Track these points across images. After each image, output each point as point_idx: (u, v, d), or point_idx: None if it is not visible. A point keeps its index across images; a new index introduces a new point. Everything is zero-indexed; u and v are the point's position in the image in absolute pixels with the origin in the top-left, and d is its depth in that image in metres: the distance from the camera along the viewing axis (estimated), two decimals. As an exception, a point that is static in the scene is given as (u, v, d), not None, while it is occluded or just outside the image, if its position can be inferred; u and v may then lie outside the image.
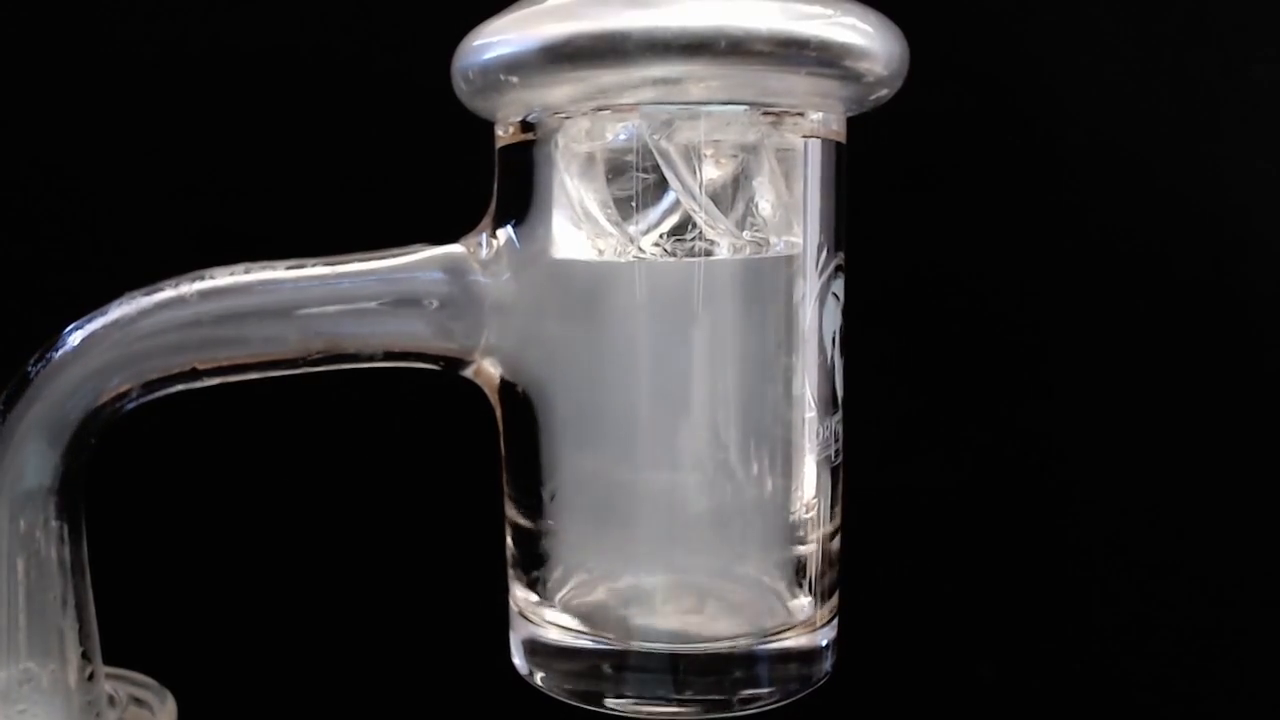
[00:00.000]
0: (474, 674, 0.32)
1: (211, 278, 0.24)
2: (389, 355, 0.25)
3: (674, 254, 0.23)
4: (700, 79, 0.21)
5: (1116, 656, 0.36)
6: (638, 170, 0.23)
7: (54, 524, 0.24)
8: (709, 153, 0.23)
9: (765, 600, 0.25)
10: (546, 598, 0.25)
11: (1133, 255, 0.37)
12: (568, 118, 0.23)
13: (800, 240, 0.24)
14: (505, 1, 0.23)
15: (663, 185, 0.23)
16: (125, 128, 0.36)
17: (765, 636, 0.24)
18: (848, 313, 0.25)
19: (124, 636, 0.27)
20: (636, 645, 0.24)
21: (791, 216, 0.24)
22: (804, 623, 0.25)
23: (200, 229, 0.36)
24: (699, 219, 0.23)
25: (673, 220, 0.23)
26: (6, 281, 0.36)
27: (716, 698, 0.24)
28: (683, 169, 0.23)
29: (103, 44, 0.36)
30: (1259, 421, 0.37)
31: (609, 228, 0.23)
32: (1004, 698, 0.35)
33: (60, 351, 0.24)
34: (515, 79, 0.22)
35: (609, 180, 0.23)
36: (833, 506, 0.25)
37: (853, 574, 0.27)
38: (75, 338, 0.24)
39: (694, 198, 0.23)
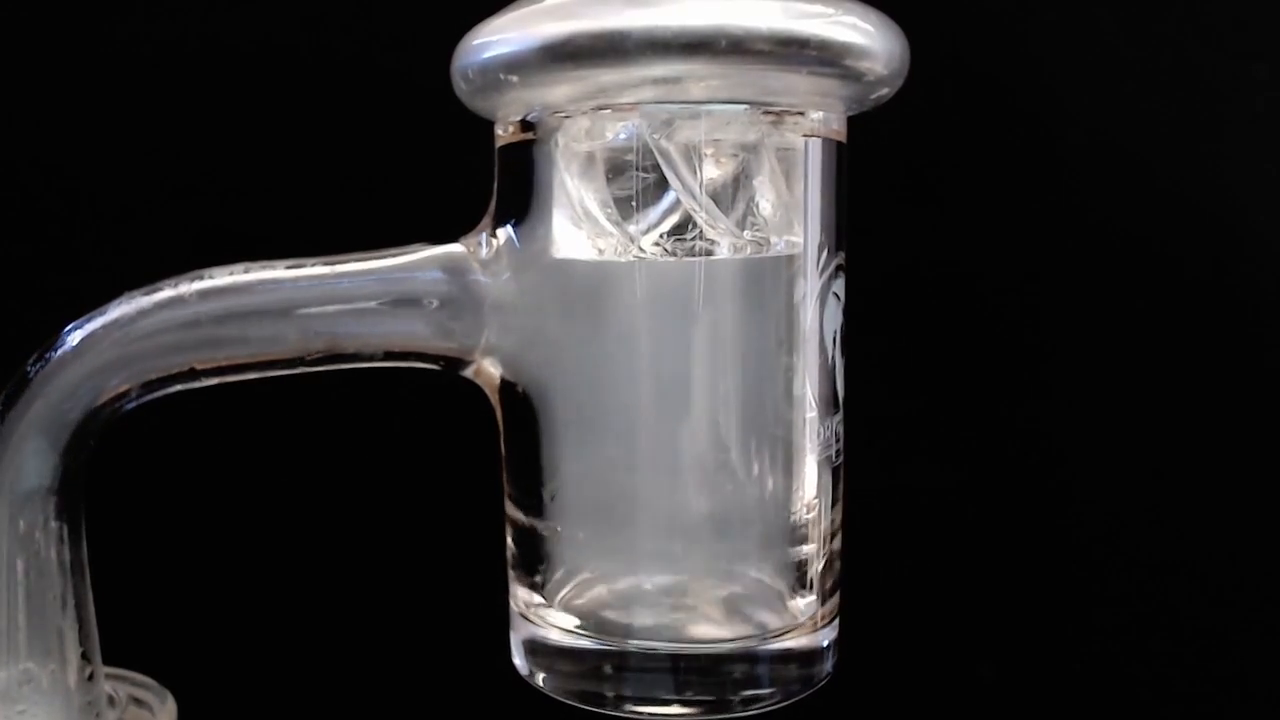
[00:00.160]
0: (474, 674, 0.32)
1: (211, 277, 0.24)
2: (389, 355, 0.25)
3: (674, 254, 0.23)
4: (700, 78, 0.21)
5: (1117, 657, 0.36)
6: (638, 170, 0.23)
7: (54, 524, 0.24)
8: (709, 152, 0.23)
9: (766, 601, 0.25)
10: (547, 598, 0.25)
11: (1134, 255, 0.37)
12: (568, 117, 0.23)
13: (801, 240, 0.24)
14: (505, 0, 0.23)
15: (663, 185, 0.23)
16: (125, 127, 0.36)
17: (766, 637, 0.24)
18: (848, 312, 0.25)
19: (124, 637, 0.27)
20: (637, 645, 0.24)
21: (792, 216, 0.24)
22: (805, 623, 0.25)
23: (200, 229, 0.36)
24: (699, 218, 0.23)
25: (673, 220, 0.23)
26: (6, 281, 0.36)
27: (717, 698, 0.24)
28: (683, 168, 0.23)
29: (103, 44, 0.36)
30: (1260, 421, 0.37)
31: (609, 227, 0.23)
32: (1004, 698, 0.35)
33: (59, 351, 0.24)
34: (515, 78, 0.22)
35: (609, 180, 0.23)
36: (833, 507, 0.25)
37: (854, 574, 0.27)
38: (74, 337, 0.24)
39: (694, 197, 0.23)
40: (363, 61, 0.36)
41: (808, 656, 0.25)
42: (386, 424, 0.37)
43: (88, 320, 0.24)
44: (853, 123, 0.25)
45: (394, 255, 0.25)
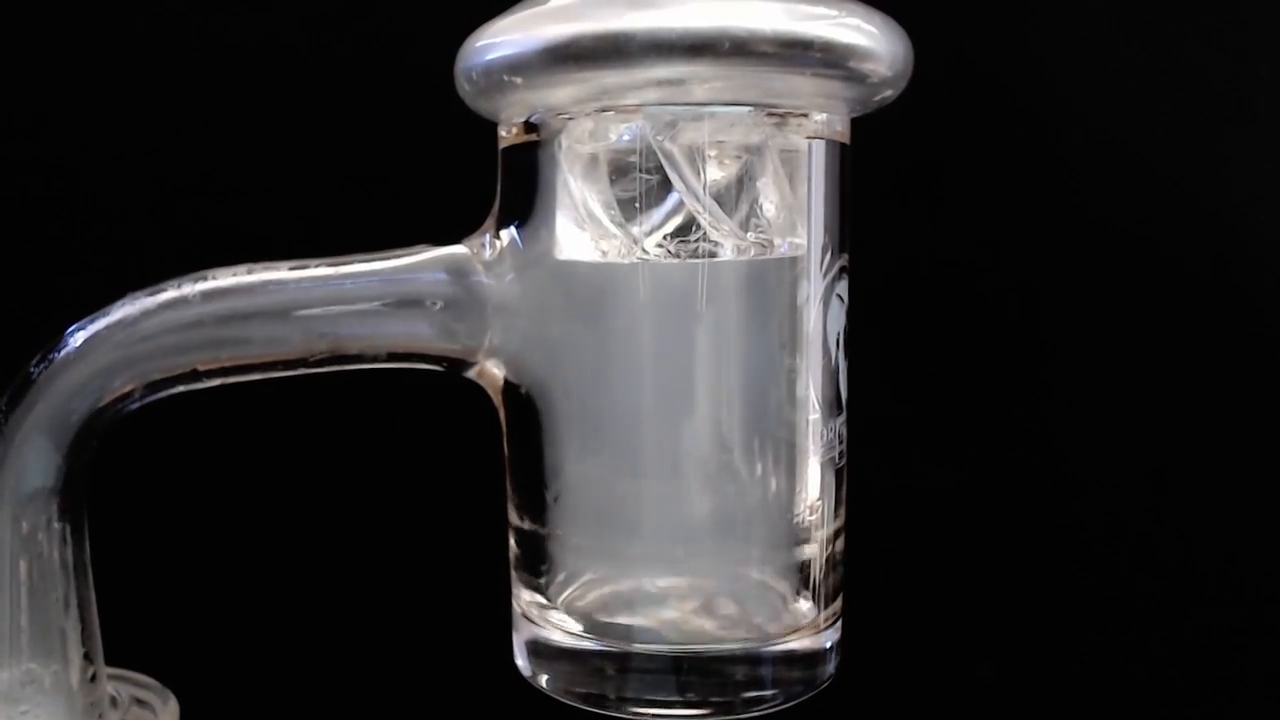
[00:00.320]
0: (477, 675, 0.32)
1: (214, 278, 0.24)
2: (392, 356, 0.25)
3: (678, 255, 0.23)
4: (704, 80, 0.21)
5: (1117, 657, 0.36)
6: (641, 171, 0.23)
7: (56, 525, 0.24)
8: (713, 154, 0.23)
9: (769, 602, 0.25)
10: (550, 599, 0.25)
11: (1135, 256, 0.37)
12: (571, 119, 0.23)
13: (804, 241, 0.24)
14: (509, 2, 0.23)
15: (666, 186, 0.23)
16: (128, 128, 0.36)
17: (769, 639, 0.24)
18: (852, 314, 0.25)
19: (126, 637, 0.27)
20: (639, 647, 0.24)
21: (795, 218, 0.24)
22: (808, 624, 0.25)
23: (204, 229, 0.36)
24: (703, 220, 0.23)
25: (676, 221, 0.23)
26: (9, 282, 0.36)
27: (719, 700, 0.24)
28: (686, 170, 0.23)
29: (104, 44, 0.36)
30: (1261, 420, 0.37)
31: (612, 229, 0.23)
32: (1006, 699, 0.35)
33: (63, 352, 0.24)
34: (519, 80, 0.22)
35: (612, 181, 0.23)
36: (836, 508, 0.25)
37: (857, 576, 0.27)
38: (78, 338, 0.24)
39: (698, 199, 0.23)
40: (366, 63, 0.36)
41: (810, 658, 0.25)
42: (389, 425, 0.37)
43: (91, 321, 0.24)
44: (856, 124, 0.25)
45: (397, 256, 0.25)
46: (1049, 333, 0.37)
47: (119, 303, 0.24)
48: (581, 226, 0.23)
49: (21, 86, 0.36)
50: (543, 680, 0.25)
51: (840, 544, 0.26)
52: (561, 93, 0.22)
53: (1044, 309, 0.37)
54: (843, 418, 0.25)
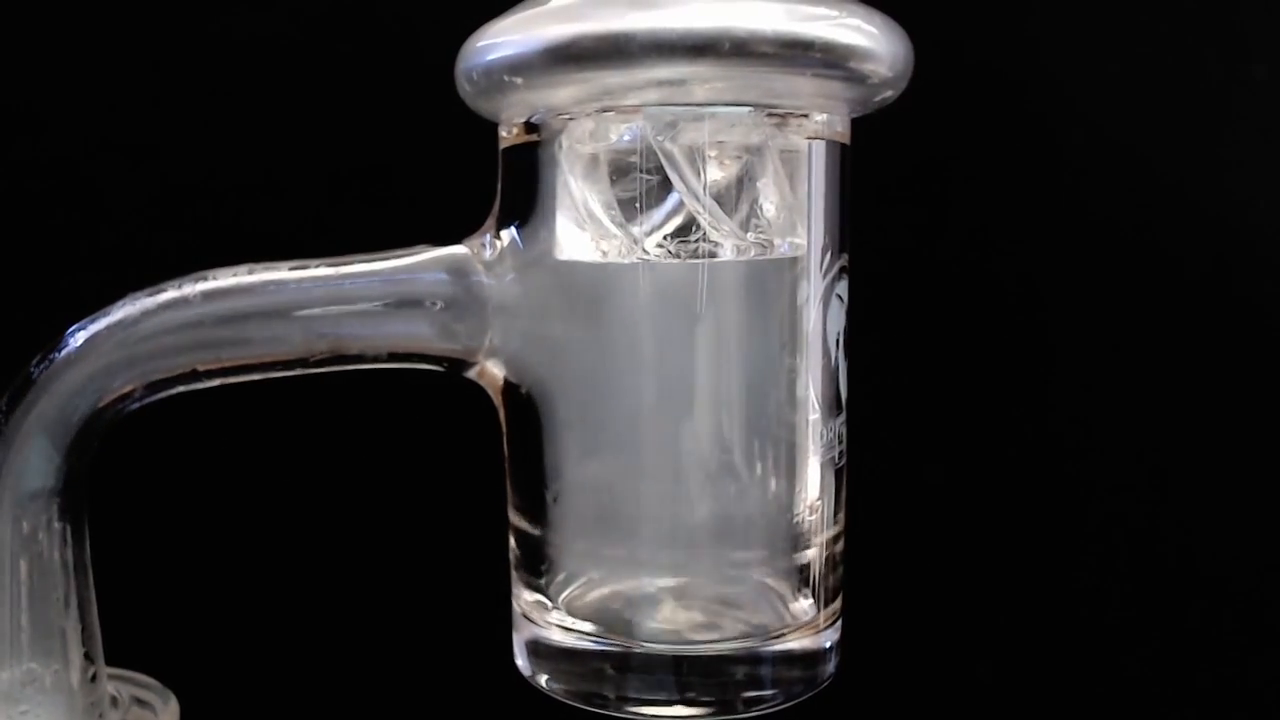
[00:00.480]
0: (477, 675, 0.32)
1: (215, 278, 0.24)
2: (393, 356, 0.25)
3: (678, 255, 0.23)
4: (704, 80, 0.21)
5: (1118, 657, 0.36)
6: (642, 172, 0.23)
7: (57, 525, 0.24)
8: (713, 154, 0.23)
9: (769, 602, 0.25)
10: (550, 599, 0.25)
11: (1137, 255, 0.37)
12: (572, 119, 0.23)
13: (804, 242, 0.24)
14: (509, 2, 0.23)
15: (667, 187, 0.23)
16: (128, 128, 0.36)
17: (769, 638, 0.24)
18: (852, 314, 0.25)
19: (127, 637, 0.27)
20: (639, 646, 0.24)
21: (795, 218, 0.24)
22: (807, 624, 0.25)
23: (203, 229, 0.36)
24: (703, 221, 0.23)
25: (677, 222, 0.23)
26: (9, 282, 0.36)
27: (720, 699, 0.24)
28: (687, 170, 0.23)
29: (104, 43, 0.36)
30: (1263, 420, 0.37)
31: (613, 229, 0.23)
32: (1006, 699, 0.35)
33: (63, 352, 0.24)
34: (519, 80, 0.22)
35: (613, 182, 0.23)
36: (836, 508, 0.25)
37: (857, 576, 0.27)
38: (78, 338, 0.24)
39: (698, 199, 0.23)
40: (367, 63, 0.36)
41: (810, 658, 0.25)
42: (389, 425, 0.37)
43: (91, 321, 0.24)
44: (856, 125, 0.25)
45: (398, 257, 0.25)
46: (1049, 333, 0.37)
47: (119, 303, 0.24)
48: (582, 227, 0.24)
49: (21, 86, 0.36)
50: (543, 680, 0.25)
51: (840, 544, 0.26)
52: (562, 93, 0.22)
53: (1044, 309, 0.37)
54: (842, 418, 0.25)
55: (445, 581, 0.36)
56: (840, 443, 0.25)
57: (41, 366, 0.24)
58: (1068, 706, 0.35)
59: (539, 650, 0.25)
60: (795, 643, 0.25)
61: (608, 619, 0.25)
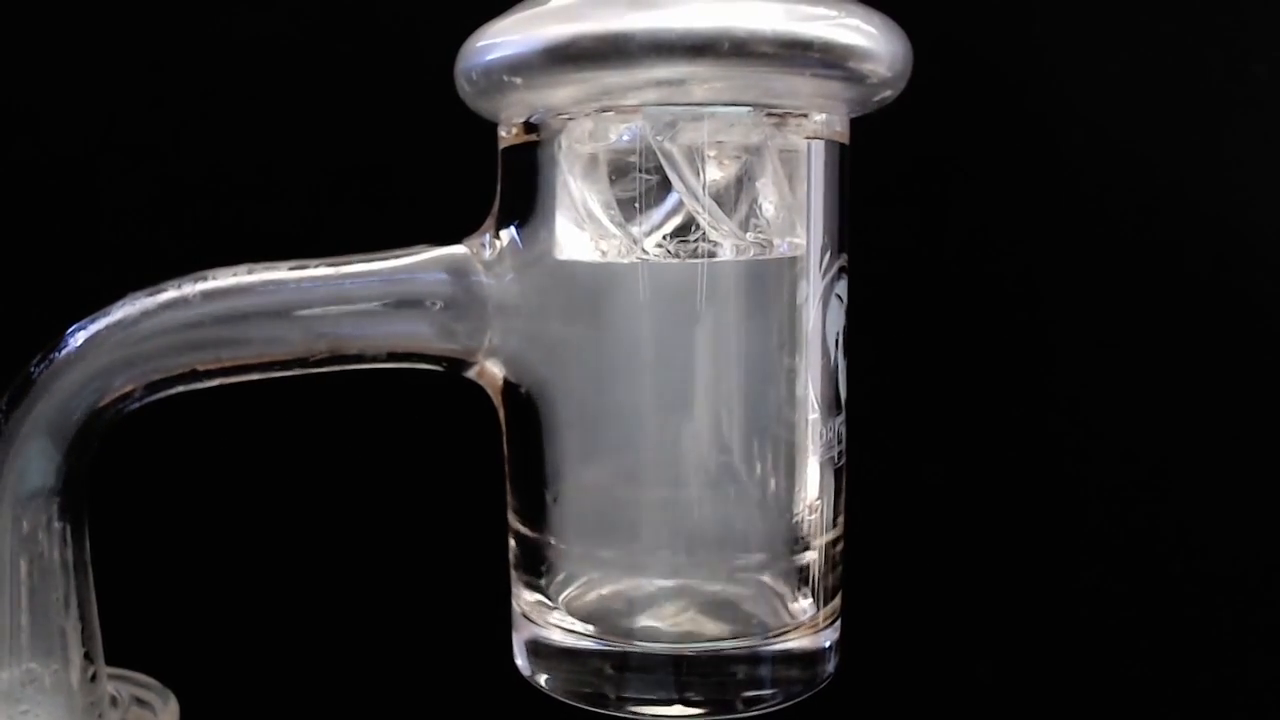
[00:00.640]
0: (476, 675, 0.32)
1: (214, 278, 0.24)
2: (392, 356, 0.25)
3: (677, 255, 0.23)
4: (704, 80, 0.21)
5: (1118, 657, 0.36)
6: (641, 171, 0.23)
7: (57, 525, 0.24)
8: (712, 154, 0.23)
9: (768, 601, 0.25)
10: (549, 599, 0.25)
11: (1137, 255, 0.37)
12: (571, 119, 0.23)
13: (803, 241, 0.24)
14: (509, 2, 0.23)
15: (666, 186, 0.23)
16: (127, 127, 0.36)
17: (768, 638, 0.24)
18: (851, 314, 0.25)
19: (126, 637, 0.27)
20: (639, 646, 0.24)
21: (795, 218, 0.24)
22: (807, 624, 0.25)
23: (203, 229, 0.36)
24: (702, 220, 0.23)
25: (676, 221, 0.23)
26: (9, 282, 0.36)
27: (719, 699, 0.24)
28: (686, 170, 0.23)
29: (104, 43, 0.36)
30: (1263, 420, 0.37)
31: (612, 229, 0.23)
32: (1004, 698, 0.35)
33: (63, 352, 0.24)
34: (518, 80, 0.22)
35: (612, 181, 0.23)
36: (836, 508, 0.25)
37: (856, 575, 0.27)
38: (78, 338, 0.24)
39: (697, 199, 0.23)
40: (366, 63, 0.36)
41: (810, 657, 0.25)
42: (389, 424, 0.37)
43: (91, 321, 0.24)
44: (855, 124, 0.25)
45: (397, 256, 0.25)
46: (1049, 332, 0.37)
47: (119, 303, 0.24)
48: (581, 226, 0.24)
49: (21, 86, 0.36)
50: (542, 680, 0.25)
51: (839, 543, 0.26)
52: (561, 93, 0.22)
53: (1044, 308, 0.37)
54: (842, 417, 0.25)
55: (445, 581, 0.36)
56: (840, 442, 0.25)
57: (41, 366, 0.24)
58: (1067, 706, 0.34)
59: (539, 650, 0.25)
60: (794, 642, 0.25)
61: (607, 619, 0.25)
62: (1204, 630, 0.37)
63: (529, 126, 0.24)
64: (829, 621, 0.25)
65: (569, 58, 0.21)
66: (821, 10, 0.21)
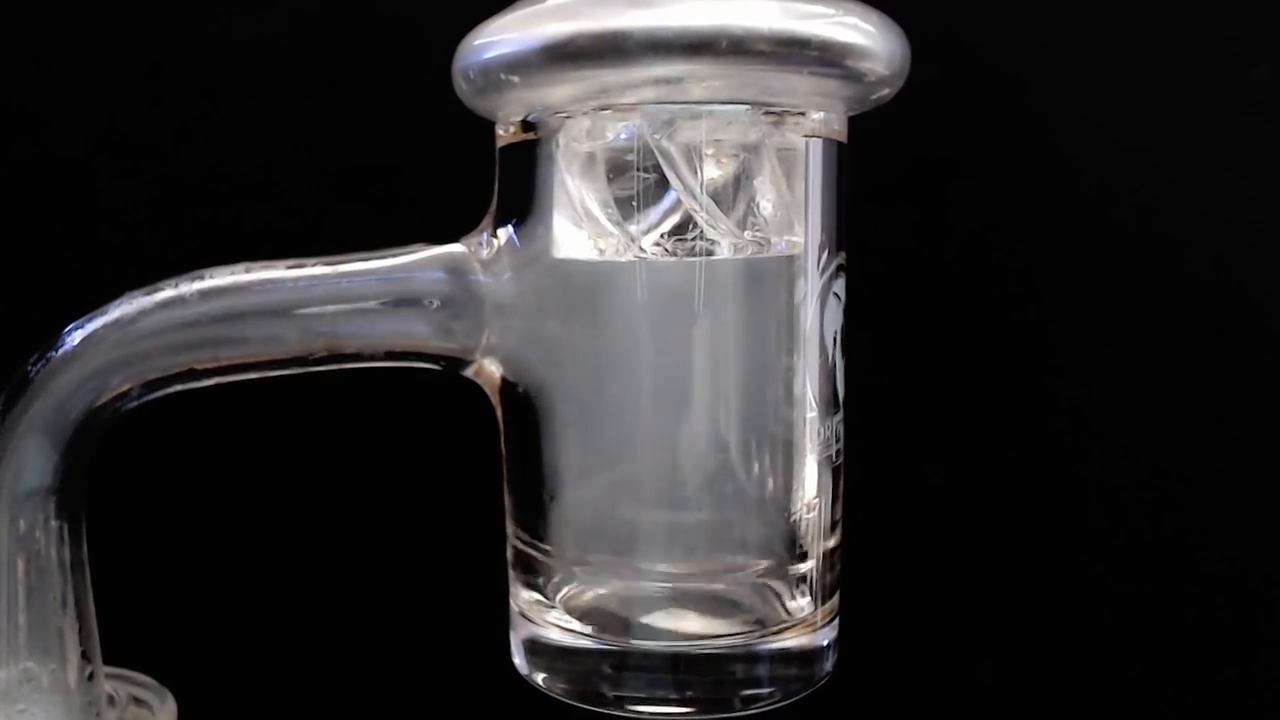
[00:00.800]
0: (474, 674, 0.32)
1: (212, 277, 0.24)
2: (390, 355, 0.25)
3: (675, 254, 0.23)
4: (702, 78, 0.21)
5: (1118, 657, 0.36)
6: (639, 170, 0.23)
7: (54, 524, 0.24)
8: (710, 152, 0.23)
9: (766, 600, 0.25)
10: (547, 598, 0.25)
11: (1136, 255, 0.37)
12: (569, 117, 0.23)
13: (801, 240, 0.24)
14: (506, 1, 0.23)
15: (664, 185, 0.23)
16: (126, 127, 0.36)
17: (766, 636, 0.24)
18: (849, 312, 0.25)
19: (124, 636, 0.27)
20: (637, 645, 0.24)
21: (793, 216, 0.24)
22: (805, 622, 0.25)
23: (201, 228, 0.36)
24: (700, 219, 0.23)
25: (674, 220, 0.23)
26: (7, 281, 0.36)
27: (717, 697, 0.24)
28: (684, 168, 0.23)
29: (104, 43, 0.36)
30: (1263, 420, 0.37)
31: (610, 227, 0.23)
32: (1004, 698, 0.35)
33: (60, 351, 0.24)
34: (516, 78, 0.22)
35: (610, 180, 0.23)
36: (834, 506, 0.25)
37: (853, 574, 0.27)
38: (75, 337, 0.24)
39: (695, 197, 0.23)
40: (364, 62, 0.36)
41: (808, 656, 0.25)
42: (387, 423, 0.37)
43: (88, 320, 0.24)
44: (853, 122, 0.25)
45: (395, 255, 0.25)
46: (1048, 331, 0.37)
47: (116, 302, 0.24)
48: (579, 225, 0.24)
49: (21, 86, 0.36)
50: (540, 679, 0.25)
51: (837, 542, 0.26)
52: (559, 91, 0.22)
53: (1043, 308, 0.37)
54: (840, 416, 0.25)
55: (443, 581, 0.36)
56: (838, 441, 0.25)
57: (39, 365, 0.24)
58: (1067, 706, 0.34)
59: (537, 649, 0.25)
60: (792, 641, 0.25)
61: (605, 618, 0.25)
62: (1204, 630, 0.37)
63: (527, 125, 0.24)
64: (827, 620, 0.25)
65: (567, 56, 0.21)
66: (819, 8, 0.21)
